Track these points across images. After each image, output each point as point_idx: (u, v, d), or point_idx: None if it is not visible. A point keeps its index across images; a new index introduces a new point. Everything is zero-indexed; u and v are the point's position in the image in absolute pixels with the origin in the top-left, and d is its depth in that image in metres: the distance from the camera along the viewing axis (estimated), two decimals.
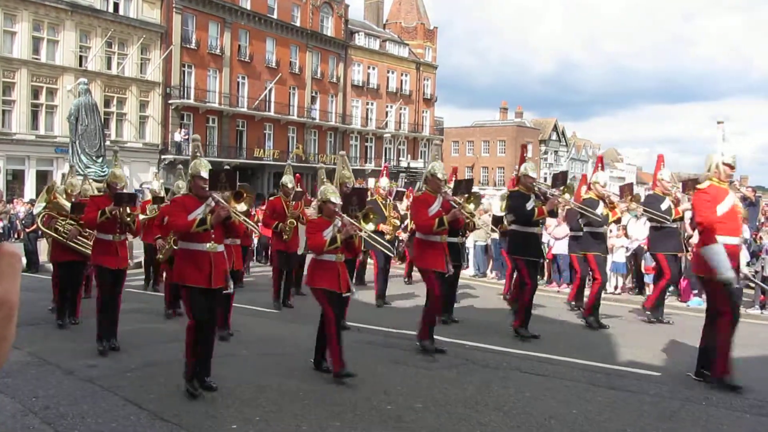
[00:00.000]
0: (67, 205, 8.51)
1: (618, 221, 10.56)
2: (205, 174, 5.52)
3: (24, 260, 13.01)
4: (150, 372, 6.19)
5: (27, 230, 14.16)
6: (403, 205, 13.58)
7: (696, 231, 6.97)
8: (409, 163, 47.72)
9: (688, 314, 9.64)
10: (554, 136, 74.09)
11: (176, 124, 34.78)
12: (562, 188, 8.39)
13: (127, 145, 31.03)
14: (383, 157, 47.71)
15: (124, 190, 7.55)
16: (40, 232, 10.82)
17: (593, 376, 6.26)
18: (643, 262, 11.92)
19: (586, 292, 9.65)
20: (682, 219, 9.24)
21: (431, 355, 6.87)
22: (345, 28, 45.12)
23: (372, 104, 47.67)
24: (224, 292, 5.88)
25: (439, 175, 7.15)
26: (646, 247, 11.69)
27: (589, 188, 9.76)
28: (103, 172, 16.70)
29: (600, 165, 10.48)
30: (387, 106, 48.55)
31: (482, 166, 66.94)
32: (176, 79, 34.67)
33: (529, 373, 6.36)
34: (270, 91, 39.39)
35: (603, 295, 9.34)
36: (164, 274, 11.55)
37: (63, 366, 6.29)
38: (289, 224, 9.83)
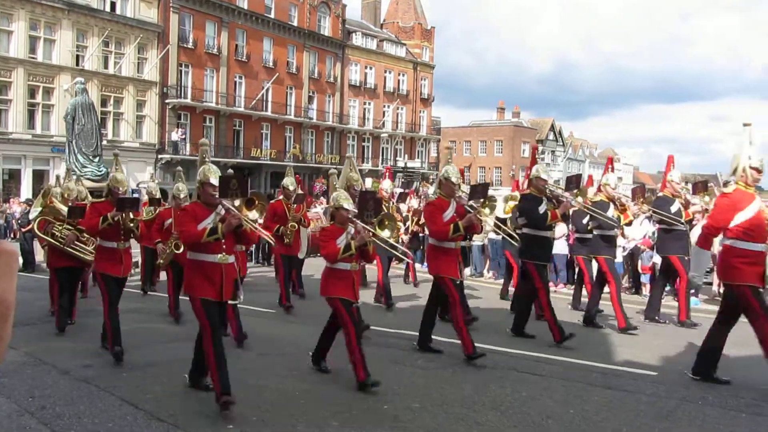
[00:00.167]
0: (64, 209, 8.29)
1: (629, 224, 10.44)
2: (214, 181, 5.26)
3: (20, 260, 12.97)
4: (147, 372, 6.17)
5: (23, 230, 14.13)
6: (404, 207, 13.58)
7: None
8: (406, 163, 47.78)
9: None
10: (551, 136, 74.15)
11: (173, 124, 34.78)
12: (575, 191, 8.17)
13: (124, 145, 30.98)
14: (380, 157, 47.75)
15: (126, 195, 7.28)
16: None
17: (590, 376, 6.27)
18: (639, 262, 11.93)
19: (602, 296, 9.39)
20: (692, 221, 9.14)
21: (476, 363, 6.61)
22: (342, 27, 45.13)
23: (369, 104, 47.69)
24: (233, 302, 5.77)
25: (453, 179, 6.88)
26: (643, 247, 11.72)
27: (598, 190, 9.50)
28: (100, 171, 16.69)
29: (610, 166, 10.28)
30: (384, 106, 48.58)
31: (479, 166, 66.97)
32: (173, 79, 34.65)
33: (526, 372, 6.37)
34: (267, 90, 39.39)
35: (600, 295, 9.27)
36: (161, 276, 11.57)
37: (59, 366, 6.28)
38: (291, 227, 9.65)
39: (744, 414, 5.24)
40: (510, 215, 10.56)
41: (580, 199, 8.16)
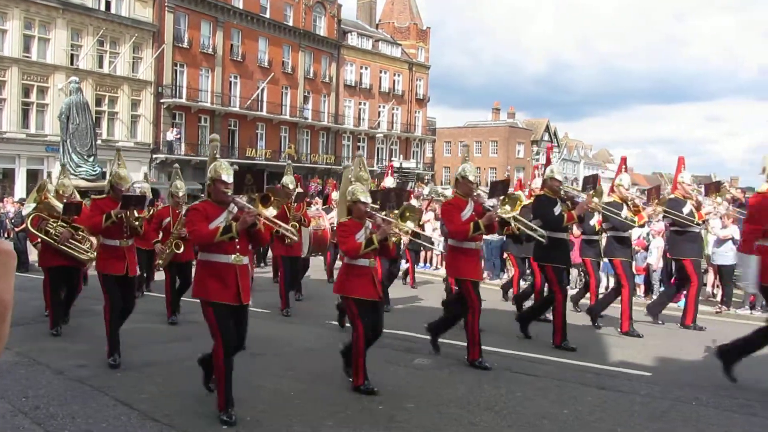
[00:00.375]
0: (59, 205, 7.95)
1: (643, 225, 10.22)
2: (226, 177, 4.98)
3: None
4: (142, 372, 6.16)
5: (16, 229, 14.06)
6: None
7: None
8: (401, 164, 47.75)
9: (678, 315, 9.65)
10: (546, 137, 74.27)
11: (168, 124, 34.68)
12: (591, 192, 7.99)
13: (119, 144, 30.84)
14: (375, 158, 47.72)
15: (130, 192, 7.03)
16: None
17: (584, 376, 6.28)
18: (634, 263, 11.96)
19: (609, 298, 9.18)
20: (704, 222, 9.04)
21: (488, 366, 6.48)
22: (338, 27, 45.12)
23: (364, 104, 47.68)
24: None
25: (471, 177, 6.66)
26: (636, 248, 11.74)
27: (612, 190, 9.30)
28: (94, 171, 16.65)
29: (624, 166, 10.07)
30: (379, 106, 48.58)
31: (475, 167, 67.00)
32: (168, 78, 34.56)
33: (521, 373, 6.38)
34: (262, 90, 39.34)
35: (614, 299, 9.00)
36: (154, 277, 11.51)
37: (53, 366, 6.26)
38: (291, 227, 9.52)
39: (738, 414, 5.27)
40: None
41: (596, 200, 7.94)
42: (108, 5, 32.08)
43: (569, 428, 4.88)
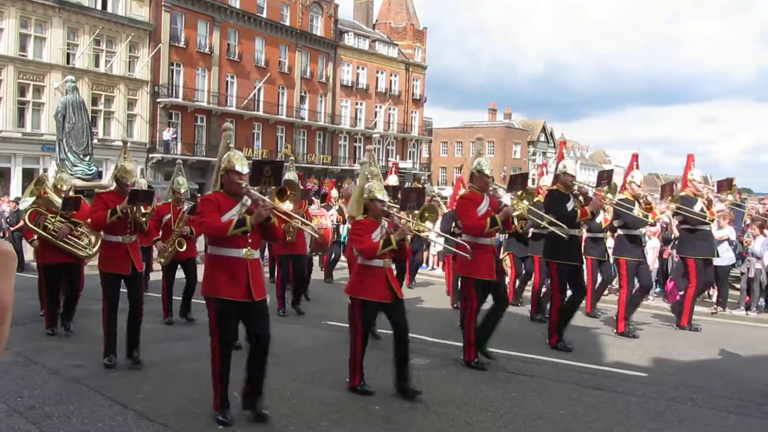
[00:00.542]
0: (58, 200, 7.72)
1: (654, 224, 10.07)
2: (240, 168, 4.76)
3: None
4: (138, 372, 6.14)
5: (12, 228, 14.00)
6: None
7: None
8: (398, 164, 47.74)
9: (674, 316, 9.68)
10: (542, 138, 74.38)
11: (164, 123, 34.65)
12: (605, 188, 7.83)
13: (115, 144, 30.85)
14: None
15: (136, 186, 6.82)
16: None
17: (580, 377, 6.29)
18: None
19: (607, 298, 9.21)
20: (713, 221, 8.87)
21: (485, 366, 6.47)
22: (334, 27, 45.11)
23: (361, 104, 47.68)
24: None
25: (487, 171, 6.54)
26: None
27: (623, 188, 9.05)
28: (90, 170, 16.56)
29: (635, 163, 9.88)
30: (376, 107, 48.58)
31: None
32: (164, 78, 34.52)
33: (517, 373, 6.38)
34: (259, 90, 39.33)
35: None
36: (150, 276, 11.43)
37: (49, 366, 6.23)
38: (293, 225, 9.39)
39: (733, 415, 5.28)
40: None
41: (610, 195, 7.78)
42: (104, 4, 32.02)
43: (565, 429, 4.89)
